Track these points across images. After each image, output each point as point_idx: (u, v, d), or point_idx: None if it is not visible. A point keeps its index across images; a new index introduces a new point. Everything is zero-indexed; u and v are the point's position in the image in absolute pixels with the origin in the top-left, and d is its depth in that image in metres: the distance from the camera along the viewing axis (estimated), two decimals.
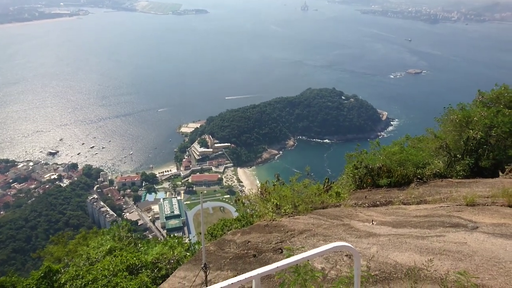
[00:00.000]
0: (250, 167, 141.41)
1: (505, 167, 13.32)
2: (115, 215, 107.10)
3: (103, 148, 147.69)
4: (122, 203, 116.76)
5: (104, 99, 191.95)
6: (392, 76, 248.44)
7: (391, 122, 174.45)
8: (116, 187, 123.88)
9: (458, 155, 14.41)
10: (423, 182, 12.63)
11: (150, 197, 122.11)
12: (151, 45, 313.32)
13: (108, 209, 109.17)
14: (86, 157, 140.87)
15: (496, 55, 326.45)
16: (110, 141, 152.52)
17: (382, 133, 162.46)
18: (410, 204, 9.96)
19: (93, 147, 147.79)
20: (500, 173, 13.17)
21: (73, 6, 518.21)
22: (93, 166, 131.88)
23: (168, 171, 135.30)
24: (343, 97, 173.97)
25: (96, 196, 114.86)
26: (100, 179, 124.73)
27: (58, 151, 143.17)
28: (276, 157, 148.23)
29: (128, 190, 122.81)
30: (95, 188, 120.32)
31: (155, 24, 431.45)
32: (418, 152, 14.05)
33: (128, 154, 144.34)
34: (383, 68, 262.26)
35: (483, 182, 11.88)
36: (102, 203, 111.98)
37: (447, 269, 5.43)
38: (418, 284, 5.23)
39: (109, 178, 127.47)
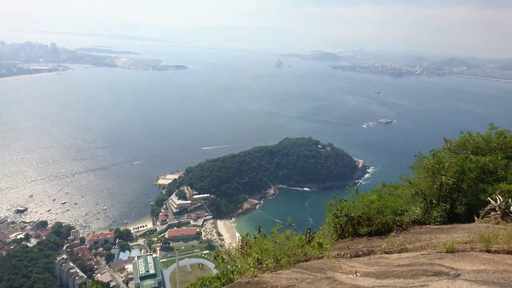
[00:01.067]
0: (231, 219, 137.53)
1: (479, 211, 13.66)
2: (85, 276, 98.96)
3: (75, 204, 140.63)
4: (93, 263, 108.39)
5: (79, 153, 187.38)
6: (365, 126, 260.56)
7: (367, 170, 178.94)
8: (88, 246, 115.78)
9: (434, 201, 14.77)
10: (403, 230, 12.68)
11: (123, 256, 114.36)
12: (129, 99, 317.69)
13: (78, 271, 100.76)
14: (56, 214, 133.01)
15: (457, 104, 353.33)
16: (83, 196, 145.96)
17: (360, 181, 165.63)
18: (392, 253, 9.85)
19: (64, 203, 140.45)
20: (476, 218, 13.46)
21: (53, 62, 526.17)
22: (63, 224, 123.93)
23: (143, 226, 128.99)
24: (319, 146, 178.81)
25: (66, 256, 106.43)
26: (71, 237, 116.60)
27: (27, 208, 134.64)
28: (257, 207, 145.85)
29: (100, 249, 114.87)
30: (64, 248, 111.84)
31: (135, 79, 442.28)
32: (396, 199, 14.30)
33: (101, 210, 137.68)
34: (355, 118, 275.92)
35: (460, 227, 12.07)
36: (71, 263, 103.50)
37: None
38: None
39: (80, 236, 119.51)
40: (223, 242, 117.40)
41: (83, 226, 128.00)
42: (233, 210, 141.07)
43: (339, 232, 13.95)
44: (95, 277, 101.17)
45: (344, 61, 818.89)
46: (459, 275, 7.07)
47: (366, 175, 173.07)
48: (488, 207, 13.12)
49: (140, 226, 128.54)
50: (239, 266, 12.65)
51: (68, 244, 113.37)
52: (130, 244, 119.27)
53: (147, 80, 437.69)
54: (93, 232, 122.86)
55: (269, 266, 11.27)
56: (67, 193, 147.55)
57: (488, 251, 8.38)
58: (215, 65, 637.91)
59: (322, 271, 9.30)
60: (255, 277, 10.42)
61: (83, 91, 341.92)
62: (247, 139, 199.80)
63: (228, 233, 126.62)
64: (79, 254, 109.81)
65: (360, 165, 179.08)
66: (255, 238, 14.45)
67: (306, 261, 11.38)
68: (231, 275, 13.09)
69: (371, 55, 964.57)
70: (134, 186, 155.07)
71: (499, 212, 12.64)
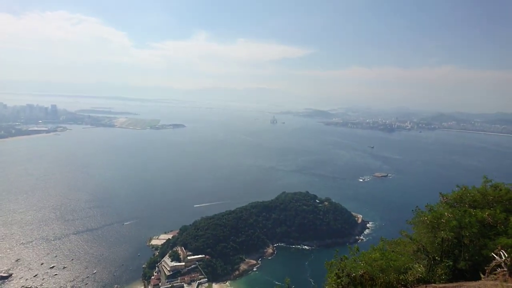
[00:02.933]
0: (227, 282, 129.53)
1: (485, 268, 13.30)
2: None
3: (64, 268, 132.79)
4: None
5: (71, 213, 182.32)
6: (361, 180, 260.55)
7: (367, 225, 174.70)
8: None
9: (437, 257, 14.40)
10: None
11: None
12: (124, 158, 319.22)
13: None
14: (43, 279, 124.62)
15: (449, 157, 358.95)
16: (72, 260, 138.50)
17: (361, 237, 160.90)
18: None
19: (53, 267, 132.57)
20: (482, 275, 13.06)
21: (52, 123, 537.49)
22: None
23: None
24: (317, 200, 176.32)
25: None
26: None
27: (11, 274, 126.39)
28: (254, 268, 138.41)
29: None
30: None
31: (132, 138, 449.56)
32: (398, 256, 13.95)
33: (91, 274, 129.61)
34: (351, 172, 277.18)
35: (467, 286, 11.66)
36: None
37: None
38: None
39: None
40: None
41: None
42: (229, 272, 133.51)
43: None
44: None
45: (336, 118, 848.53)
46: None
47: (366, 231, 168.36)
48: (493, 263, 12.81)
49: None
50: None
51: None
52: None
53: (144, 139, 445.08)
54: None
55: None
56: (55, 256, 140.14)
57: None
58: (212, 123, 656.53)
59: None
60: None
61: (80, 150, 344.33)
62: (243, 195, 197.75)
63: None
64: None
65: (360, 220, 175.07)
66: None
67: None
68: None
69: (362, 112, 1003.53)
70: (125, 248, 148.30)
71: (505, 269, 12.31)
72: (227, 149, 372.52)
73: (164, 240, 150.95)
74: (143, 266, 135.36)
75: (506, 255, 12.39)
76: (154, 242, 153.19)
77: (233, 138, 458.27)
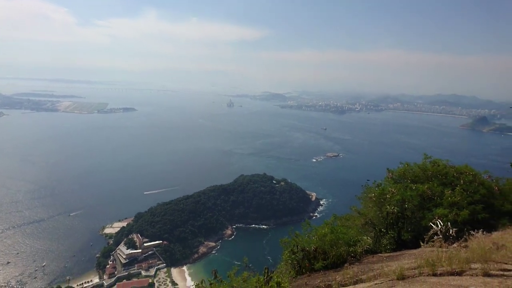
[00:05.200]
0: (186, 265, 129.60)
1: (424, 236, 14.56)
2: None
3: (8, 263, 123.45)
4: None
5: (12, 205, 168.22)
6: (314, 160, 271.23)
7: (321, 202, 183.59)
8: None
9: (382, 229, 15.49)
10: (357, 260, 13.00)
11: None
12: (69, 144, 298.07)
13: None
14: None
15: (394, 137, 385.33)
16: (18, 253, 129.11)
17: (315, 214, 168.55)
18: (348, 285, 10.00)
19: None
20: (421, 243, 14.29)
21: None
22: None
23: (88, 282, 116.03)
24: (274, 181, 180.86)
25: None
26: None
27: None
28: (214, 250, 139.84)
29: None
30: None
31: (78, 123, 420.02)
32: (348, 230, 14.79)
33: (39, 267, 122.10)
34: (305, 153, 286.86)
35: (408, 253, 12.70)
36: None
37: None
38: None
39: None
40: None
41: None
42: (188, 255, 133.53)
43: (296, 269, 13.87)
44: None
45: (291, 101, 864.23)
46: None
47: (320, 208, 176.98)
48: (431, 232, 14.08)
49: (85, 282, 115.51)
50: None
51: None
52: None
53: (91, 123, 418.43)
54: None
55: None
56: None
57: (435, 275, 8.86)
58: (166, 106, 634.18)
59: None
60: None
61: (20, 137, 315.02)
62: (200, 180, 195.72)
63: (183, 281, 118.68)
64: None
65: (314, 198, 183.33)
66: (210, 284, 13.79)
67: None
68: None
69: (315, 95, 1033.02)
70: (76, 238, 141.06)
71: (441, 236, 13.61)
72: (182, 134, 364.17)
73: (118, 228, 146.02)
74: (97, 255, 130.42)
75: (442, 224, 13.68)
76: (108, 230, 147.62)
77: (189, 122, 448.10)
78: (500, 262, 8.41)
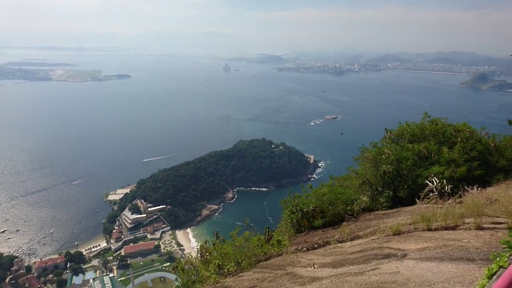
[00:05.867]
0: (190, 227, 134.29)
1: (420, 194, 14.90)
2: None
3: (17, 231, 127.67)
4: None
5: (15, 176, 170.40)
6: (313, 123, 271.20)
7: (319, 164, 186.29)
8: (35, 274, 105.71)
9: (379, 188, 15.82)
10: (354, 218, 13.41)
11: (77, 280, 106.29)
12: (66, 113, 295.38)
13: None
14: None
15: (393, 97, 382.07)
16: (25, 222, 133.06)
17: (313, 176, 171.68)
18: (345, 242, 10.37)
19: (4, 231, 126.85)
20: (417, 200, 14.65)
21: None
22: (4, 254, 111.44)
23: (96, 246, 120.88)
24: (273, 146, 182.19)
25: None
26: (15, 267, 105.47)
27: None
28: (216, 212, 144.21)
29: (50, 276, 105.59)
30: (7, 280, 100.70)
31: (73, 91, 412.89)
32: (345, 190, 15.11)
33: (47, 234, 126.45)
34: (304, 117, 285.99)
35: (404, 210, 13.06)
36: None
37: None
38: None
39: (26, 264, 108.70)
40: (184, 252, 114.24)
41: (28, 253, 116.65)
42: (192, 218, 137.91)
43: (296, 227, 14.35)
44: None
45: (288, 63, 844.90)
46: (405, 255, 7.65)
47: (318, 170, 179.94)
48: (427, 189, 14.37)
49: (93, 246, 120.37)
50: (200, 274, 12.42)
51: (11, 276, 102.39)
52: (84, 267, 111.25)
53: (86, 92, 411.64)
54: (40, 259, 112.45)
55: (230, 270, 11.22)
56: (6, 220, 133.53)
57: (429, 230, 9.16)
58: (161, 72, 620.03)
59: (282, 267, 9.48)
60: (217, 283, 10.31)
61: (16, 108, 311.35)
62: (199, 146, 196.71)
63: (188, 242, 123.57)
64: (26, 285, 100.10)
65: (312, 161, 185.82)
66: (214, 244, 14.31)
67: (266, 260, 11.52)
68: (193, 285, 12.81)
69: (313, 56, 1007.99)
70: (81, 206, 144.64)
71: (436, 193, 13.93)
72: (179, 100, 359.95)
73: (122, 195, 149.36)
74: (103, 221, 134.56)
75: (437, 181, 13.93)
76: (112, 197, 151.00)
77: (185, 88, 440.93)
78: (492, 216, 8.65)
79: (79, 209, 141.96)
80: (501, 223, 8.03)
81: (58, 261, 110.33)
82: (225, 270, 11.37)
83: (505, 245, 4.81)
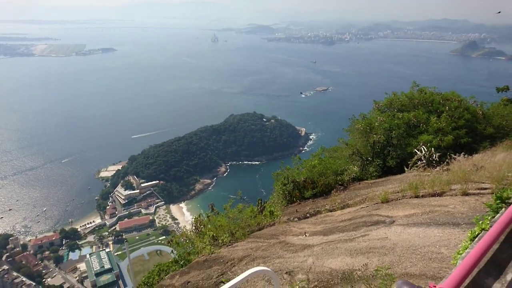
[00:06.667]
0: (184, 202, 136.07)
1: (408, 162, 15.21)
2: (34, 284, 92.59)
3: (9, 210, 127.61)
4: (41, 268, 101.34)
5: (3, 155, 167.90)
6: (304, 95, 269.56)
7: (310, 137, 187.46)
8: (32, 252, 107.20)
9: (369, 158, 16.08)
10: (344, 187, 13.70)
11: (74, 255, 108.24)
12: (51, 89, 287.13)
13: (24, 279, 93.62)
14: None
15: (383, 66, 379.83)
16: (17, 201, 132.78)
17: (305, 148, 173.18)
18: (336, 210, 10.65)
19: None
20: (405, 169, 14.97)
21: None
22: None
23: (91, 222, 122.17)
24: (264, 119, 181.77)
25: (7, 267, 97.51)
26: (10, 246, 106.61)
27: None
28: (210, 186, 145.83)
29: (47, 252, 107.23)
30: (4, 258, 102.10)
31: (57, 67, 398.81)
32: (335, 161, 15.33)
33: (41, 212, 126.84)
34: (294, 89, 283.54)
35: (393, 179, 13.35)
36: (15, 273, 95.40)
37: (376, 265, 5.85)
38: (354, 286, 5.50)
39: (21, 243, 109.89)
40: (179, 226, 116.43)
41: (22, 232, 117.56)
42: (185, 193, 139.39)
43: (287, 198, 14.65)
44: (45, 282, 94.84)
45: (278, 33, 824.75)
46: (393, 221, 7.89)
47: (310, 142, 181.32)
48: (415, 157, 14.65)
49: (88, 223, 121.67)
50: (195, 246, 12.72)
51: (8, 254, 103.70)
52: (79, 243, 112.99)
53: (71, 67, 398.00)
54: (36, 237, 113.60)
55: (224, 241, 11.49)
56: None
57: (417, 197, 9.41)
58: (148, 44, 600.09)
59: (275, 237, 9.74)
60: (212, 254, 10.58)
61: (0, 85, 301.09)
62: (190, 121, 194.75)
63: (182, 216, 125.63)
64: (23, 262, 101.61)
65: (303, 133, 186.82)
66: (208, 217, 14.55)
67: (259, 230, 11.81)
68: (189, 257, 13.15)
69: (303, 26, 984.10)
70: (72, 183, 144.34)
71: (424, 161, 14.22)
72: (167, 73, 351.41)
73: (114, 172, 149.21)
74: (96, 198, 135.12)
75: (426, 149, 14.19)
76: (103, 174, 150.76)
77: (173, 61, 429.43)
78: (478, 182, 8.91)
79: (71, 187, 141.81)
80: (486, 188, 8.28)
81: (54, 238, 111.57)
82: (220, 241, 11.64)
83: (489, 209, 4.98)
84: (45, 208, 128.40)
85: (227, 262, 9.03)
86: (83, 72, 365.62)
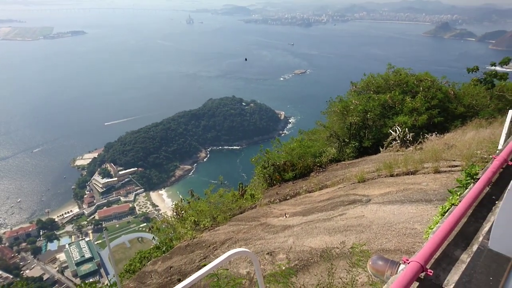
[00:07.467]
0: (164, 188, 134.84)
1: (383, 143, 15.65)
2: (11, 276, 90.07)
3: None
4: (18, 261, 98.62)
5: None
6: (282, 79, 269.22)
7: (289, 120, 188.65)
8: (7, 244, 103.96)
9: (346, 140, 16.40)
10: (323, 169, 13.98)
11: (52, 246, 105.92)
12: (17, 75, 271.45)
13: (1, 272, 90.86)
14: None
15: (359, 48, 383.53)
16: None
17: (284, 131, 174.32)
18: (314, 191, 10.88)
19: None
20: (381, 149, 15.41)
21: None
22: None
23: (68, 212, 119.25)
24: (243, 103, 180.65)
25: None
26: None
27: None
28: (190, 172, 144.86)
29: (24, 244, 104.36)
30: None
31: (23, 52, 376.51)
32: (314, 143, 15.55)
33: (15, 203, 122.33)
34: (273, 72, 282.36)
35: (369, 159, 13.72)
36: None
37: (353, 242, 6.06)
38: (333, 263, 5.69)
39: None
40: (160, 212, 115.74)
41: None
42: (165, 179, 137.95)
43: (268, 181, 14.81)
44: (24, 274, 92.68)
45: (255, 14, 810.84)
46: (370, 200, 8.15)
47: (289, 125, 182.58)
48: (390, 138, 15.09)
49: (65, 213, 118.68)
50: (177, 231, 12.72)
51: None
52: (57, 233, 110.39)
53: (38, 51, 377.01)
54: (11, 229, 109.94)
55: (206, 225, 11.55)
56: None
57: (392, 176, 9.74)
58: (119, 27, 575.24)
59: (256, 219, 9.87)
60: (194, 238, 10.62)
61: None
62: (167, 106, 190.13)
63: (163, 202, 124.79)
64: None
65: (282, 117, 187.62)
66: (189, 202, 14.52)
67: (241, 213, 11.93)
68: (171, 243, 13.15)
69: (280, 6, 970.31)
70: (47, 173, 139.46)
71: (398, 141, 14.67)
72: (140, 57, 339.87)
73: (90, 160, 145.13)
74: (72, 187, 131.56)
75: (400, 130, 14.62)
76: (79, 162, 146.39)
77: (146, 44, 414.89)
78: (449, 160, 9.31)
79: (46, 177, 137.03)
80: (457, 166, 8.67)
81: (30, 229, 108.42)
82: (201, 226, 11.69)
83: (458, 184, 5.23)
84: (19, 199, 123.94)
85: (209, 246, 9.10)
86: (52, 56, 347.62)
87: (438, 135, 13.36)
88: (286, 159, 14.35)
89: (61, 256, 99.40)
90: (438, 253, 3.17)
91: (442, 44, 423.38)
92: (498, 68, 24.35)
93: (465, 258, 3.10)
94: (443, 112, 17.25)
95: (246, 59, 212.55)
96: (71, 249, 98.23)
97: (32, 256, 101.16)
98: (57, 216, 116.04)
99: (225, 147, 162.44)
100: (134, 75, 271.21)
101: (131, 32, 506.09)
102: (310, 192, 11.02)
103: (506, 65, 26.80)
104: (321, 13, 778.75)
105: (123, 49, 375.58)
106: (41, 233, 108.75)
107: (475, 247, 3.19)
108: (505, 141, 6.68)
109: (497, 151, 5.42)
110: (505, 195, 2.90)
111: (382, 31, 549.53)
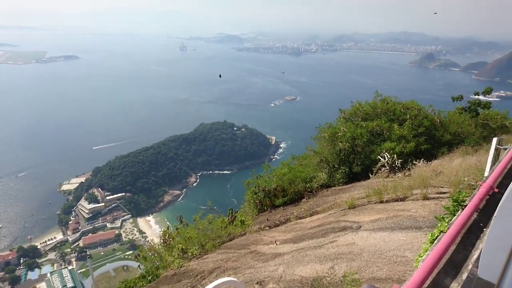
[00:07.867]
0: (152, 214, 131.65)
1: (373, 169, 15.77)
2: None
3: None
4: None
5: None
6: (273, 105, 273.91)
7: (280, 145, 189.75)
8: None
9: (335, 165, 16.51)
10: (313, 194, 13.94)
11: (33, 275, 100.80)
12: (6, 99, 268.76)
13: None
14: None
15: (347, 77, 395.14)
16: None
17: (275, 156, 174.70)
18: (305, 217, 10.78)
19: None
20: (370, 175, 15.51)
21: None
22: None
23: (52, 239, 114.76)
24: (235, 128, 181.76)
25: None
26: None
27: None
28: (179, 197, 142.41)
29: (2, 273, 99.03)
30: None
31: (14, 75, 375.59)
32: (304, 168, 15.60)
33: None
34: (264, 98, 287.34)
35: (359, 185, 13.76)
36: None
37: (344, 271, 5.95)
38: None
39: None
40: (147, 239, 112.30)
41: None
42: (153, 205, 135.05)
43: (258, 207, 14.65)
44: None
45: (247, 43, 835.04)
46: (360, 226, 8.10)
47: (280, 150, 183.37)
48: (379, 164, 15.24)
49: (49, 239, 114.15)
50: (164, 260, 12.32)
51: None
52: (39, 261, 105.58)
53: (30, 76, 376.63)
54: None
55: (194, 253, 11.23)
56: None
57: (381, 202, 9.75)
58: (112, 52, 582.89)
59: (245, 247, 9.66)
60: (181, 267, 10.29)
61: None
62: (158, 131, 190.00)
63: (150, 229, 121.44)
64: None
65: (273, 142, 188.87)
66: (177, 229, 14.18)
67: (230, 240, 11.67)
68: (157, 271, 12.68)
69: (271, 36, 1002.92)
70: (31, 198, 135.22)
71: (387, 167, 14.83)
72: (134, 82, 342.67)
73: (77, 184, 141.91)
74: (58, 213, 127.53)
75: (389, 156, 14.81)
76: (65, 187, 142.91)
77: (140, 70, 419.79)
78: (437, 187, 9.40)
79: (30, 202, 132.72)
80: (445, 192, 8.75)
81: (10, 257, 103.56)
82: (189, 254, 11.36)
83: (447, 211, 5.27)
84: (0, 226, 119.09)
85: (197, 275, 8.82)
86: (43, 80, 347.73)
87: (425, 162, 13.58)
88: (277, 184, 14.31)
89: (42, 286, 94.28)
90: (428, 282, 3.13)
91: (427, 74, 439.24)
92: (481, 97, 25.29)
93: (455, 287, 3.07)
94: (430, 139, 17.62)
95: (220, 76, 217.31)
96: (53, 278, 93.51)
97: (10, 287, 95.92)
98: (40, 243, 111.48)
99: (216, 172, 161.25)
100: (127, 100, 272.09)
101: (125, 58, 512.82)
102: (300, 218, 10.92)
103: (489, 94, 27.90)
104: (310, 42, 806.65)
105: (116, 74, 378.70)
106: (21, 261, 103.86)
107: (464, 276, 3.17)
108: (490, 168, 6.83)
109: (484, 178, 5.52)
110: (491, 222, 2.91)
111: (369, 60, 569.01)
